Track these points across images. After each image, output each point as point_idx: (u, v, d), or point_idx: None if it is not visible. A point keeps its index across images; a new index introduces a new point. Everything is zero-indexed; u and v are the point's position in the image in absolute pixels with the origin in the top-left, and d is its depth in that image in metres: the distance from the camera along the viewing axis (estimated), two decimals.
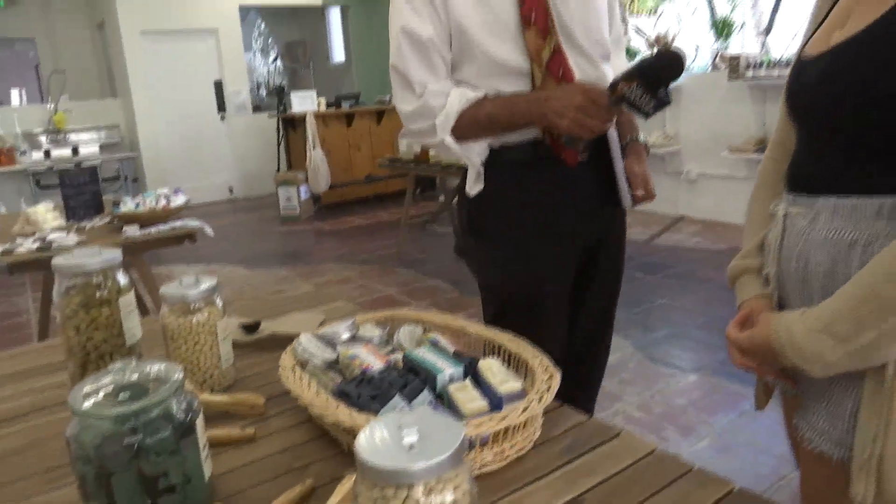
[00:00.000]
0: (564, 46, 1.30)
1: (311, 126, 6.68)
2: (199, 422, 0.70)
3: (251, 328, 1.21)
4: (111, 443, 0.64)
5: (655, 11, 7.80)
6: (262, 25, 9.85)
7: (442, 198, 5.29)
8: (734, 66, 4.81)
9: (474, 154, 1.34)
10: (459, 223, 1.48)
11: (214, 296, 1.00)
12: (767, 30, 5.44)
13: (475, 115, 1.29)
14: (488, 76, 1.30)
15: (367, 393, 0.82)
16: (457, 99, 1.30)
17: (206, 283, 0.99)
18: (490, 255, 1.41)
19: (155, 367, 0.72)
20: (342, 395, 0.83)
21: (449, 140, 1.31)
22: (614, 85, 1.14)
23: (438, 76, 1.32)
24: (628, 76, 1.12)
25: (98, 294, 1.00)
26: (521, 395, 0.81)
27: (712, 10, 5.59)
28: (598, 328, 1.53)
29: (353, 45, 9.41)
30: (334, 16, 9.59)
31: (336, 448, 0.83)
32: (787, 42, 5.13)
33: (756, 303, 0.93)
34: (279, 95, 7.70)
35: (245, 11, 8.46)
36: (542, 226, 1.34)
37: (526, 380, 0.87)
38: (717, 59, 5.12)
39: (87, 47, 8.62)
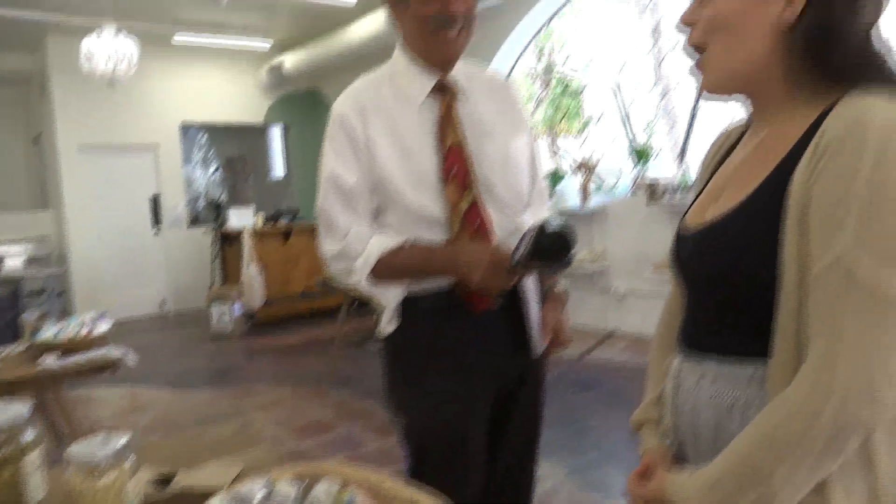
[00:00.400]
0: (483, 199, 1.40)
1: (246, 243, 6.69)
2: None
3: (164, 482, 1.17)
4: None
5: (582, 132, 8.35)
6: (205, 139, 10.00)
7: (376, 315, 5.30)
8: (652, 192, 5.13)
9: (389, 296, 1.41)
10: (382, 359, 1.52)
11: (124, 455, 0.98)
12: (682, 154, 5.87)
13: (392, 262, 1.37)
14: (409, 224, 1.39)
15: None
16: (377, 245, 1.38)
17: (116, 443, 0.97)
18: (407, 395, 1.44)
19: None
20: None
21: (366, 282, 1.39)
22: (515, 260, 1.25)
23: (361, 222, 1.40)
24: (526, 257, 1.23)
25: (0, 454, 0.97)
26: None
27: (631, 138, 6.02)
28: (519, 464, 1.54)
29: (293, 162, 9.62)
30: (275, 133, 9.83)
31: None
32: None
33: (656, 454, 0.97)
34: (216, 211, 7.71)
35: (187, 127, 8.60)
36: (456, 371, 1.40)
37: None
38: (637, 183, 5.46)
39: (20, 158, 8.53)
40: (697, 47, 0.88)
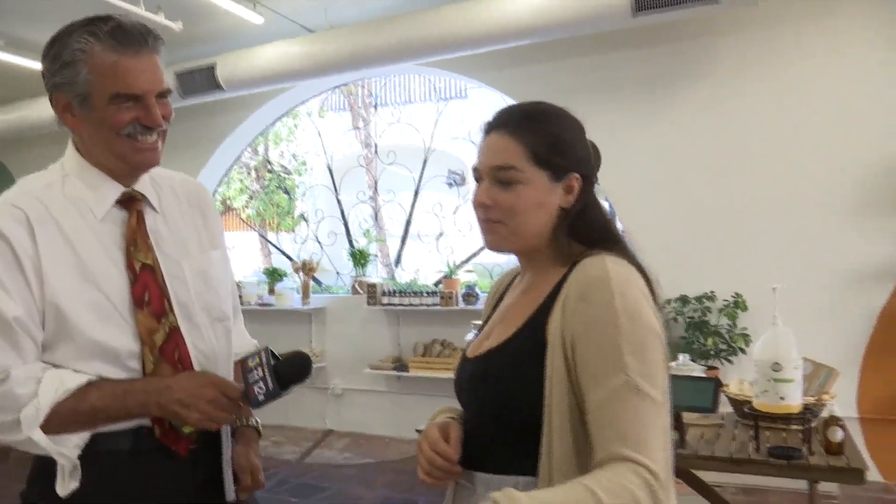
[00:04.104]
0: (183, 326, 1.24)
1: None
2: None
3: None
4: None
5: (294, 229, 8.47)
6: None
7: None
8: (371, 293, 5.41)
9: (70, 448, 1.14)
10: None
11: None
12: (397, 261, 6.32)
13: (76, 408, 1.12)
14: (89, 359, 1.16)
15: None
16: (52, 388, 1.12)
17: None
18: None
19: None
20: None
21: (38, 436, 1.10)
22: (262, 397, 1.17)
23: (26, 359, 1.14)
24: (274, 391, 1.17)
25: None
26: None
27: (351, 241, 6.33)
28: None
29: None
30: None
31: None
32: (411, 274, 6.01)
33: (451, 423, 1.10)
34: None
35: None
36: None
37: None
38: (356, 285, 5.71)
39: None
40: (495, 221, 1.07)
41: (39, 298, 1.14)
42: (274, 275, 6.10)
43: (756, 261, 4.18)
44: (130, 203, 1.25)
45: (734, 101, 4.32)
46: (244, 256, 8.45)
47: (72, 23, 1.19)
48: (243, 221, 9.37)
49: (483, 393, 1.06)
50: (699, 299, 4.25)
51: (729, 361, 4.10)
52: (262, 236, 8.69)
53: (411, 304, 5.25)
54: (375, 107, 8.02)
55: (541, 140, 1.05)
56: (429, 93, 8.05)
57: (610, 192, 4.42)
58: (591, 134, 1.12)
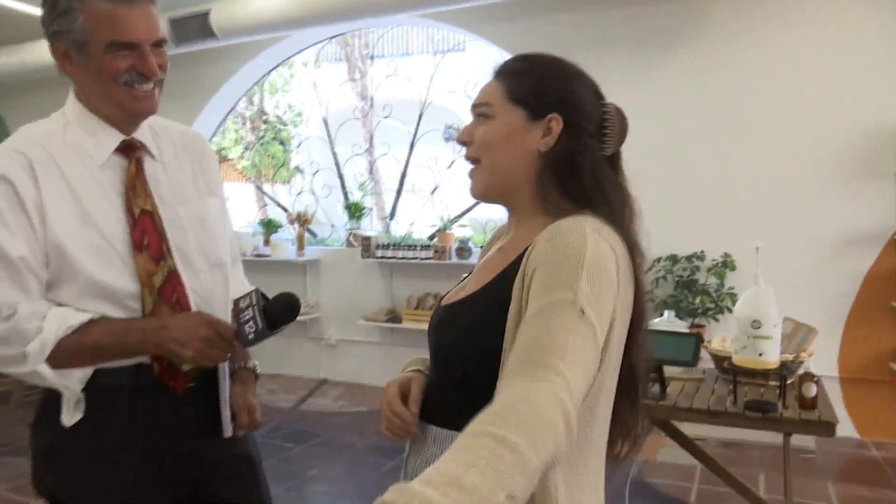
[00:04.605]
0: (181, 270, 1.29)
1: None
2: None
3: None
4: None
5: (289, 181, 8.44)
6: None
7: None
8: (366, 246, 5.45)
9: (74, 381, 1.21)
10: (35, 454, 1.30)
11: None
12: (391, 215, 6.35)
13: (79, 343, 1.18)
14: (91, 299, 1.22)
15: None
16: (56, 324, 1.18)
17: None
18: (85, 489, 1.26)
19: None
20: None
21: (44, 369, 1.18)
22: (252, 336, 1.22)
23: (31, 296, 1.19)
24: (263, 331, 1.22)
25: None
26: None
27: (346, 194, 6.33)
28: None
29: None
30: None
31: None
32: (405, 227, 6.05)
33: (415, 377, 1.10)
34: None
35: None
36: (143, 461, 1.26)
37: None
38: (351, 237, 5.75)
39: None
40: (473, 159, 1.08)
41: (43, 239, 1.18)
42: (269, 226, 6.13)
43: (746, 222, 4.23)
44: (130, 150, 1.29)
45: (729, 64, 4.30)
46: (240, 207, 8.45)
47: None
48: (238, 172, 9.33)
49: (443, 341, 1.06)
50: (689, 258, 4.31)
51: (715, 319, 4.19)
52: (258, 187, 8.66)
53: (405, 258, 5.30)
54: (372, 58, 7.90)
55: (520, 80, 1.05)
56: (426, 45, 7.94)
57: None
58: None
